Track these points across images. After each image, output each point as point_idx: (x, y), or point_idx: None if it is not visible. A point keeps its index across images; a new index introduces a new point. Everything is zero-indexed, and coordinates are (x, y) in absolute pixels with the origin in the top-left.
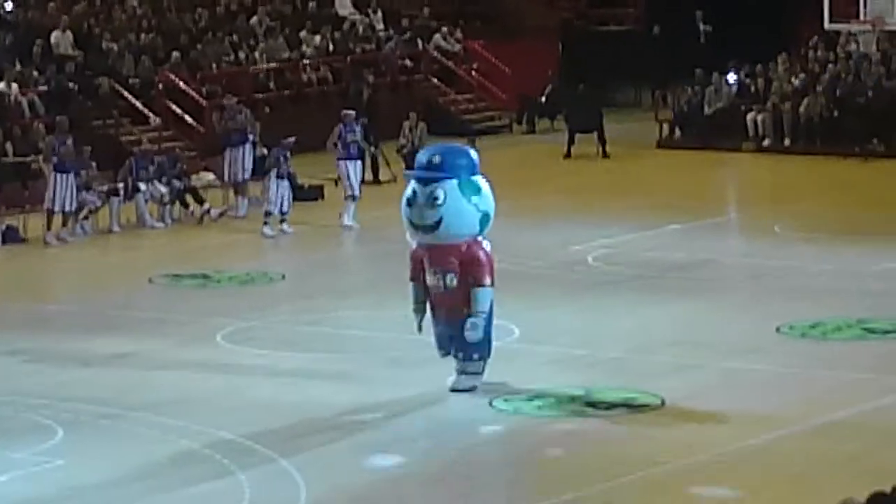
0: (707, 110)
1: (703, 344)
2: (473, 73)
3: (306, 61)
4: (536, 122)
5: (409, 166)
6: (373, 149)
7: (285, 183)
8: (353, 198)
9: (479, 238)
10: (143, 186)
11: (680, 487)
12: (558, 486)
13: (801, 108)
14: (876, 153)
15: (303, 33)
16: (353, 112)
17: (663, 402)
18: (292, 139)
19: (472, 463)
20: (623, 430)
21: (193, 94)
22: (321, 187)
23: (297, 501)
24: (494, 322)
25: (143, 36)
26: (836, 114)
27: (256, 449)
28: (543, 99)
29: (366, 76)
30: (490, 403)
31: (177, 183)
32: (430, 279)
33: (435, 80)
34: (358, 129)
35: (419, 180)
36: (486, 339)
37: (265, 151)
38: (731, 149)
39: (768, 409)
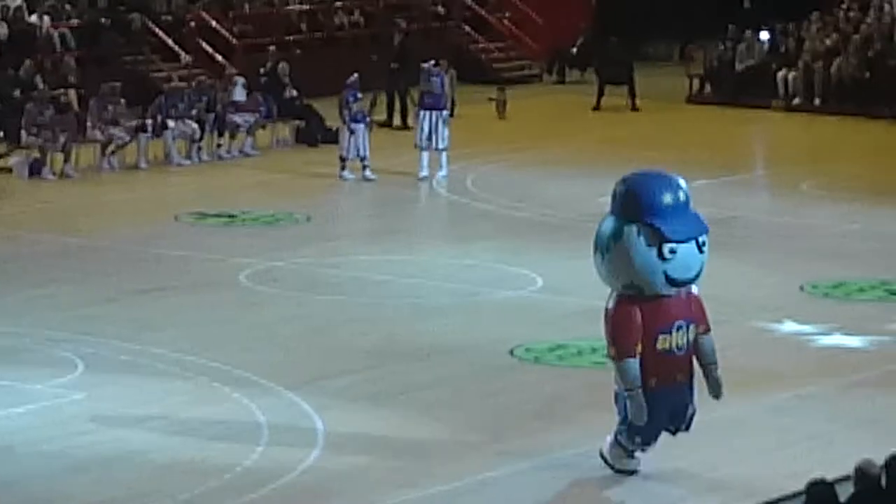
0: (738, 67)
1: (727, 300)
2: (506, 21)
3: (339, 4)
4: (567, 72)
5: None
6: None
7: (359, 126)
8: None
9: None
10: (171, 124)
11: (698, 443)
12: (577, 438)
13: (833, 69)
14: None
15: None
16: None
17: None
18: (356, 76)
19: (491, 411)
20: None
21: (225, 32)
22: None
23: (313, 444)
24: (517, 271)
25: None
26: (867, 75)
27: (275, 389)
28: (575, 50)
29: (398, 21)
30: (511, 352)
31: (208, 116)
32: (663, 342)
33: (467, 28)
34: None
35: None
36: None
37: (294, 93)
38: (761, 106)
39: (789, 368)
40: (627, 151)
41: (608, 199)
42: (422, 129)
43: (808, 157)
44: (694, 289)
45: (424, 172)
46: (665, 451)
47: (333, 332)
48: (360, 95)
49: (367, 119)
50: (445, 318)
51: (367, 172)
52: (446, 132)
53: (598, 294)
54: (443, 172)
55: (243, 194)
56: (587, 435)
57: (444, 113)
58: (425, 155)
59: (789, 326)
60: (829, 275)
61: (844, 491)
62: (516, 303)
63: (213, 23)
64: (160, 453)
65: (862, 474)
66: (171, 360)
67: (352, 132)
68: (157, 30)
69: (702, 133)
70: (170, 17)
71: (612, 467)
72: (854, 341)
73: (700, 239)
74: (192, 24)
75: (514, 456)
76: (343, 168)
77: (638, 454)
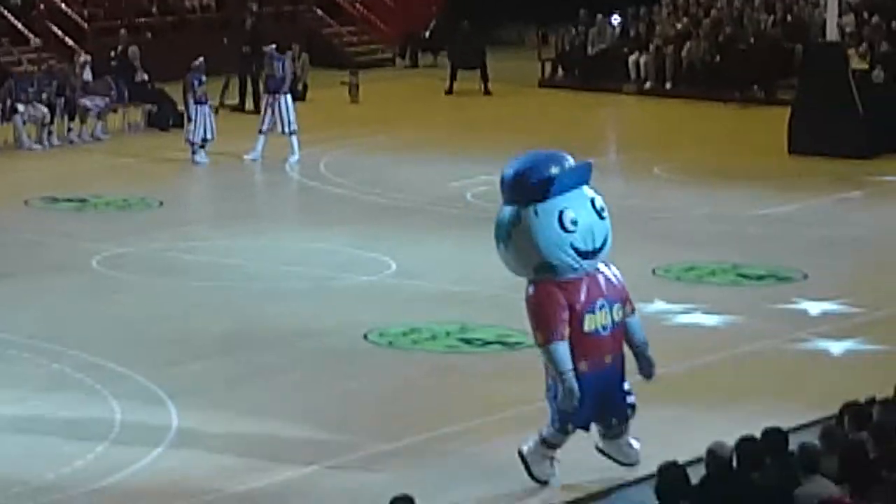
0: (590, 51)
1: None
2: (358, 5)
3: None
4: (419, 56)
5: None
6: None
7: (204, 109)
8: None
9: None
10: (21, 108)
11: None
12: (431, 421)
13: (683, 53)
14: (756, 99)
15: None
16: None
17: None
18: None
19: (346, 395)
20: (497, 366)
21: (75, 16)
22: None
23: (168, 429)
24: (371, 255)
25: None
26: (717, 59)
27: (129, 375)
28: (427, 34)
29: (250, 5)
30: (365, 337)
31: (58, 100)
32: (589, 322)
33: (319, 12)
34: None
35: (578, 186)
36: None
37: (145, 77)
38: (613, 90)
39: None
40: (480, 135)
41: (460, 183)
42: (263, 113)
43: (659, 141)
44: (613, 269)
45: (253, 155)
46: (519, 432)
47: (186, 317)
48: (204, 79)
49: (210, 102)
50: (299, 302)
51: (198, 157)
52: (292, 116)
53: (452, 278)
54: (294, 157)
55: (95, 179)
56: (441, 418)
57: (288, 97)
58: (262, 138)
59: (641, 309)
60: (681, 258)
61: (696, 473)
62: (370, 287)
63: (63, 6)
64: (12, 440)
65: (713, 456)
66: (22, 345)
67: (196, 115)
68: (6, 13)
69: (554, 117)
70: (19, 1)
71: (527, 469)
72: (706, 324)
73: (597, 205)
74: (42, 7)
75: (368, 440)
76: (194, 152)
77: (556, 470)
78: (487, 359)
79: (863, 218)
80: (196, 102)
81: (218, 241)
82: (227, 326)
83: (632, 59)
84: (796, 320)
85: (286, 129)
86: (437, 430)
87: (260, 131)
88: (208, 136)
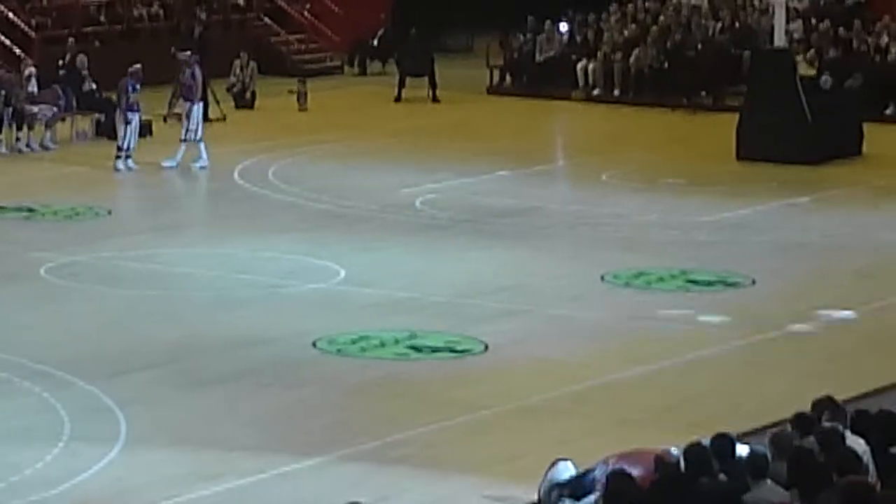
0: (538, 58)
1: (529, 290)
2: (306, 13)
3: None
4: (368, 64)
5: (239, 105)
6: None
7: (135, 116)
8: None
9: None
10: None
11: (501, 432)
12: (381, 429)
13: (632, 59)
14: (704, 106)
15: None
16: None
17: (487, 347)
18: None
19: (295, 403)
20: (446, 373)
21: (22, 25)
22: (149, 123)
23: (116, 437)
24: (320, 263)
25: None
26: (665, 65)
27: (78, 383)
28: (376, 42)
29: (198, 14)
30: (314, 344)
31: (6, 109)
32: None
33: (267, 20)
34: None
35: None
36: None
37: (94, 86)
38: (561, 97)
39: (591, 357)
40: (429, 143)
41: (409, 190)
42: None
43: (608, 147)
44: None
45: (199, 163)
46: (468, 438)
47: (135, 325)
48: (139, 87)
49: (141, 111)
50: (248, 310)
51: (120, 163)
52: (188, 124)
53: (401, 285)
54: (170, 163)
55: (43, 188)
56: (389, 425)
57: (193, 105)
58: (200, 146)
59: (591, 315)
60: (630, 264)
61: None
62: (319, 295)
63: (11, 15)
64: None
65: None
66: None
67: (128, 122)
68: None
69: (503, 124)
70: None
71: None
72: (655, 330)
73: None
74: None
75: (317, 448)
76: (129, 157)
77: None
78: (436, 366)
79: (810, 223)
80: (128, 109)
81: (167, 249)
82: (176, 335)
83: (580, 65)
84: (745, 326)
85: (194, 137)
86: (386, 437)
87: (183, 140)
88: (131, 146)
